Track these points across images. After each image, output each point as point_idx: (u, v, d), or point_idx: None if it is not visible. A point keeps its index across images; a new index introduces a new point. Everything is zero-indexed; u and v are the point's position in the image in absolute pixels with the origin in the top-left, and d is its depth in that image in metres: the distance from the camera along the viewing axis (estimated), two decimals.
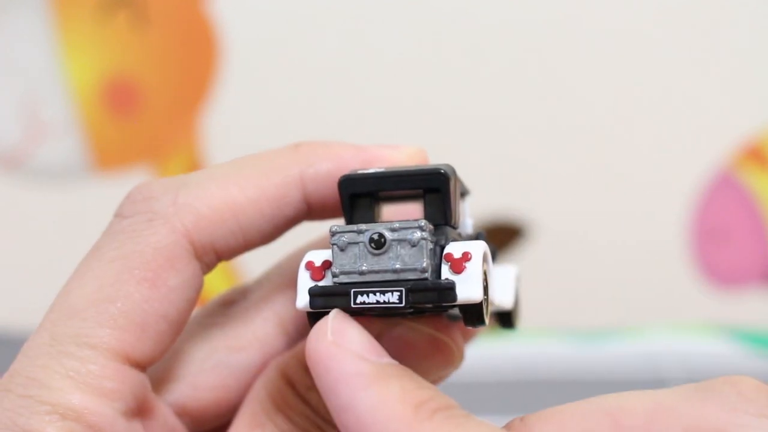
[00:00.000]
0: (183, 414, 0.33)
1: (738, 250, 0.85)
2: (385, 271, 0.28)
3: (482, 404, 0.71)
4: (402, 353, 0.31)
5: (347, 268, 0.29)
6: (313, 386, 0.31)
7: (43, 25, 0.86)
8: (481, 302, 0.28)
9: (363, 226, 0.29)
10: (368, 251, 0.29)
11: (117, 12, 0.86)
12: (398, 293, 0.28)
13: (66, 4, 0.86)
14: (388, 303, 0.28)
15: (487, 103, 0.85)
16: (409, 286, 0.28)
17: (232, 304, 0.35)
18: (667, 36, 0.84)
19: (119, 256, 0.30)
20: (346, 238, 0.29)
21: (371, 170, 0.31)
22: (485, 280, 0.29)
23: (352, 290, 0.28)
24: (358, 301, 0.28)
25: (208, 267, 0.32)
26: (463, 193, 0.34)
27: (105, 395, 0.29)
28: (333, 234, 0.29)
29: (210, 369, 0.33)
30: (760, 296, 0.86)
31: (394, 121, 0.86)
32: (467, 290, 0.28)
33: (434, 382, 0.33)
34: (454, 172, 0.31)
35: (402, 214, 0.33)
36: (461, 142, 0.85)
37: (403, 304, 0.28)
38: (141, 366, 0.30)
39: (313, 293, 0.29)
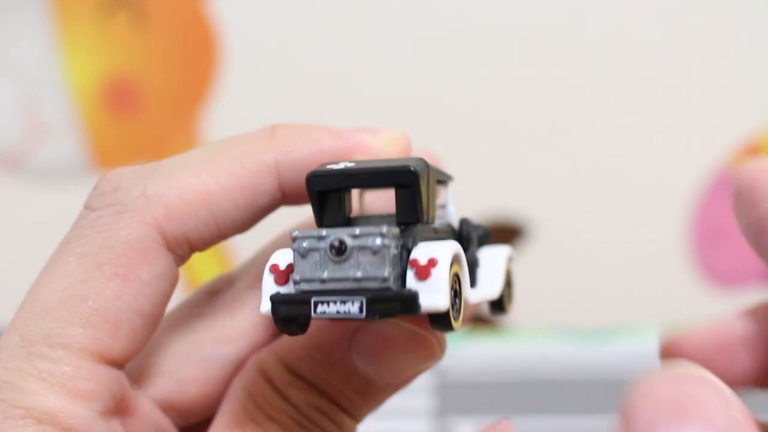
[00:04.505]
0: (169, 409, 0.33)
1: (738, 250, 0.85)
2: (346, 280, 0.27)
3: (482, 404, 0.71)
4: (382, 349, 0.30)
5: (308, 276, 0.27)
6: (292, 383, 0.31)
7: (43, 25, 0.86)
8: (448, 310, 0.27)
9: (324, 232, 0.27)
10: (329, 258, 0.27)
11: (117, 12, 0.86)
12: (359, 303, 0.26)
13: (66, 4, 0.86)
14: (349, 313, 0.26)
15: (486, 102, 0.85)
16: (369, 296, 0.26)
17: (217, 294, 0.34)
18: (667, 35, 0.84)
19: (89, 252, 0.29)
20: (306, 244, 0.27)
21: (340, 165, 0.29)
22: (457, 284, 0.28)
23: (313, 299, 0.27)
24: (318, 311, 0.27)
25: (181, 259, 0.31)
26: (444, 181, 0.32)
27: (80, 396, 0.28)
28: (294, 240, 0.27)
29: (196, 362, 0.32)
30: (760, 296, 0.85)
31: (395, 120, 0.85)
32: (432, 299, 0.26)
33: (416, 375, 0.32)
34: (426, 167, 0.29)
35: (385, 199, 0.32)
36: (461, 141, 0.85)
37: (363, 315, 0.26)
38: (117, 364, 0.29)
39: (275, 300, 0.27)
